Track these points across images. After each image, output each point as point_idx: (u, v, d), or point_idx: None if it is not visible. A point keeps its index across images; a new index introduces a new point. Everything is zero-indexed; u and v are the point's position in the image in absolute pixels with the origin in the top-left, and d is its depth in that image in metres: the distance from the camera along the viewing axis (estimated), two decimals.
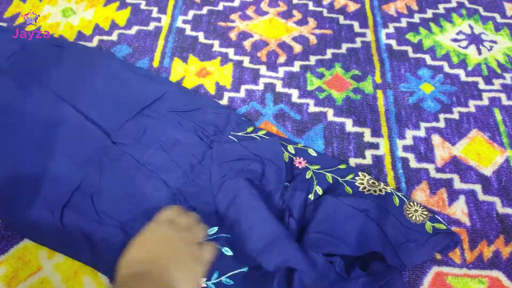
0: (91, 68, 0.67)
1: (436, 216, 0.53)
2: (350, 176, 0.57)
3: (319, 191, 0.55)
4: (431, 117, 0.66)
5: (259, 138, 0.60)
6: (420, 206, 0.53)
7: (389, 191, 0.54)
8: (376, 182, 0.56)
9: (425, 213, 0.52)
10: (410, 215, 0.52)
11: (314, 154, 0.59)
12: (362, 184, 0.56)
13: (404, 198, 0.54)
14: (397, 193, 0.54)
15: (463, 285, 0.51)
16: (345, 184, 0.56)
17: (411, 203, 0.53)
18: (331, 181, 0.56)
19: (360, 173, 0.57)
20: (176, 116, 0.61)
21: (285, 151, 0.58)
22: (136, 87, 0.65)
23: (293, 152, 0.59)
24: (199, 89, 0.69)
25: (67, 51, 0.69)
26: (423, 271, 0.52)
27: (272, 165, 0.55)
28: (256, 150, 0.56)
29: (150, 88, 0.65)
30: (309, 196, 0.54)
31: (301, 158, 0.58)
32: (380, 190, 0.55)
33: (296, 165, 0.58)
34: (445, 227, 0.51)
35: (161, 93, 0.64)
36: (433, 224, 0.51)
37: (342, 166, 0.58)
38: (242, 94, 0.68)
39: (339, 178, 0.56)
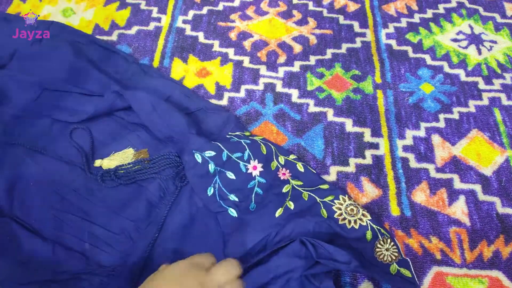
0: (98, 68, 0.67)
1: (407, 260, 0.51)
2: (330, 197, 0.55)
3: (290, 205, 0.54)
4: (431, 117, 0.66)
5: (258, 140, 0.59)
6: (393, 245, 0.51)
7: (365, 223, 0.53)
8: (355, 208, 0.54)
9: (396, 254, 0.51)
10: (379, 253, 0.51)
11: (302, 170, 0.58)
12: (340, 209, 0.54)
13: (379, 234, 0.52)
14: (373, 225, 0.52)
15: (463, 285, 0.51)
16: (322, 206, 0.54)
17: (384, 240, 0.52)
18: (306, 199, 0.55)
19: (341, 197, 0.55)
20: None
21: (275, 160, 0.58)
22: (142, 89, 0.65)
23: (282, 163, 0.58)
24: (199, 89, 0.69)
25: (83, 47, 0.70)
26: (423, 271, 0.52)
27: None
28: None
29: (156, 92, 0.65)
30: (278, 211, 0.53)
31: (287, 171, 0.57)
32: (355, 221, 0.53)
33: (279, 176, 0.57)
34: (410, 275, 0.50)
35: (166, 96, 0.64)
36: (399, 268, 0.50)
37: (324, 186, 0.56)
38: (242, 94, 0.68)
39: (316, 198, 0.55)
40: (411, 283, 0.49)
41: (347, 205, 0.54)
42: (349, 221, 0.53)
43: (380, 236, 0.52)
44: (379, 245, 0.51)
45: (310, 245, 0.47)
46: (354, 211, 0.53)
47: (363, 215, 0.53)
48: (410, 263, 0.51)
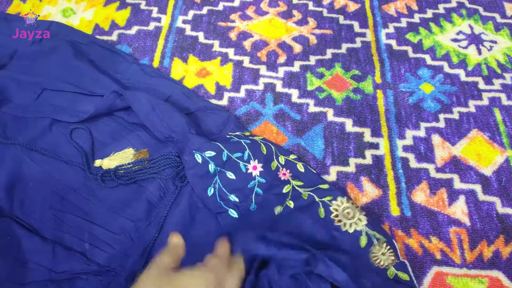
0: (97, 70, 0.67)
1: (405, 263, 0.51)
2: (329, 198, 0.55)
3: (290, 204, 0.54)
4: (431, 117, 0.66)
5: (258, 140, 0.59)
6: (389, 249, 0.51)
7: (360, 228, 0.52)
8: (352, 212, 0.53)
9: (392, 257, 0.50)
10: (375, 258, 0.50)
11: (302, 170, 0.58)
12: (337, 211, 0.53)
13: (374, 240, 0.51)
14: (369, 231, 0.52)
15: (463, 285, 0.51)
16: (320, 205, 0.54)
17: (380, 245, 0.51)
18: (305, 198, 0.55)
19: (339, 198, 0.55)
20: None
21: (275, 160, 0.58)
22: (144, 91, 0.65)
23: (283, 163, 0.58)
24: (199, 89, 0.69)
25: (82, 48, 0.70)
26: (423, 271, 0.52)
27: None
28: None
29: (156, 92, 0.65)
30: (278, 209, 0.53)
31: (288, 171, 0.57)
32: (350, 225, 0.52)
33: (279, 176, 0.57)
34: (408, 279, 0.49)
35: (166, 96, 0.65)
36: (397, 272, 0.49)
37: (324, 186, 0.56)
38: (242, 94, 0.68)
39: (315, 197, 0.55)
40: (410, 287, 0.49)
41: (344, 207, 0.54)
42: (344, 224, 0.52)
43: (375, 241, 0.52)
44: (374, 250, 0.51)
45: (312, 259, 0.46)
46: (350, 214, 0.53)
47: (359, 219, 0.53)
48: (408, 265, 0.50)
